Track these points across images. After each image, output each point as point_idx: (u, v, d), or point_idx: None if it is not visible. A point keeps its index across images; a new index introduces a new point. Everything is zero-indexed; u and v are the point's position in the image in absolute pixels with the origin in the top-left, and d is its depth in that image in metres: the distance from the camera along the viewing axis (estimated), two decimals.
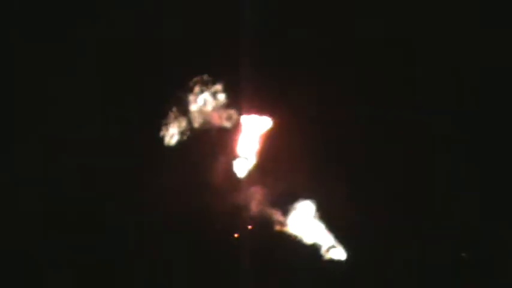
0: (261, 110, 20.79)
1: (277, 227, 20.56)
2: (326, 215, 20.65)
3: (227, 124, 20.68)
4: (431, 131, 21.05)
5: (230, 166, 20.65)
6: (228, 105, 20.70)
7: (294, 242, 20.63)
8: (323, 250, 20.68)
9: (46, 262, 19.84)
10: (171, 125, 20.52)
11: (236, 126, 20.72)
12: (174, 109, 20.55)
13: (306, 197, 20.65)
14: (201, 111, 20.62)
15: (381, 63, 20.97)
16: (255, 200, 20.43)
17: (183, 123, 20.57)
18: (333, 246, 20.64)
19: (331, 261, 20.68)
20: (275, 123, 20.90)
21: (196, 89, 20.60)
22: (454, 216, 20.69)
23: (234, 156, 20.71)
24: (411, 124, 21.03)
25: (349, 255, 20.68)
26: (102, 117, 20.40)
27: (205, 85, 20.61)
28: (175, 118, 20.54)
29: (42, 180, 20.22)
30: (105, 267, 19.92)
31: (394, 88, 20.96)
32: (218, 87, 20.62)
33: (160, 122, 20.52)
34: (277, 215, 20.56)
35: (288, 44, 20.86)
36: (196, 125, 20.62)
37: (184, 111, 20.60)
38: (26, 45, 20.51)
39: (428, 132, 21.06)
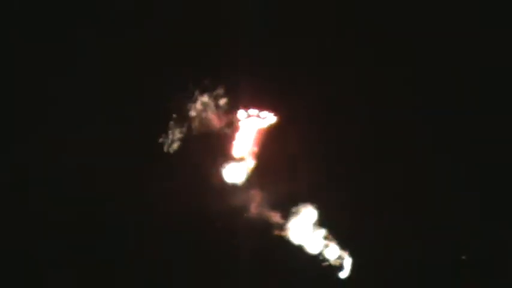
0: (260, 112, 20.78)
1: (276, 231, 20.55)
2: (325, 216, 20.65)
3: (226, 126, 20.67)
4: (431, 131, 21.10)
5: (229, 169, 20.67)
6: (227, 108, 20.68)
7: (293, 244, 20.64)
8: (323, 251, 20.69)
9: (46, 262, 19.84)
10: (172, 127, 20.52)
11: (236, 128, 20.71)
12: (175, 111, 20.55)
13: (305, 199, 20.67)
14: (200, 114, 20.60)
15: (381, 64, 21.02)
16: (254, 202, 20.42)
17: (183, 125, 20.56)
18: (333, 248, 20.67)
19: (331, 262, 20.72)
20: (275, 125, 20.89)
21: (197, 91, 20.60)
22: (454, 216, 20.72)
23: (233, 159, 20.71)
24: (411, 124, 21.06)
25: (349, 256, 20.70)
26: (102, 118, 20.40)
27: (205, 87, 20.61)
28: (176, 120, 20.54)
29: (42, 180, 20.22)
30: (105, 267, 19.93)
31: (394, 88, 20.98)
32: (218, 89, 20.61)
33: (160, 123, 20.52)
34: (276, 218, 20.55)
35: (287, 44, 20.84)
36: (195, 127, 20.61)
37: (184, 114, 20.59)
38: (26, 45, 20.49)
39: (428, 132, 21.10)
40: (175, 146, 20.39)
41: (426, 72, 21.16)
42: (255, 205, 20.42)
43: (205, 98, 20.49)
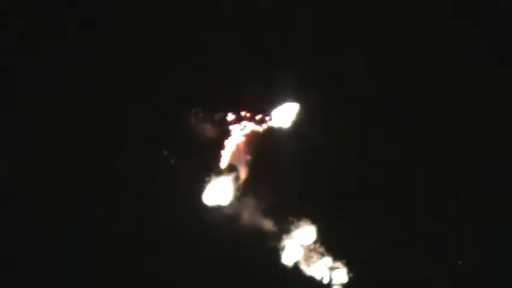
0: (256, 120, 20.78)
1: (270, 242, 20.56)
2: (321, 225, 20.67)
3: (222, 134, 20.65)
4: (431, 132, 21.06)
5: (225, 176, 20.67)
6: (221, 116, 20.67)
7: (288, 255, 20.68)
8: (319, 263, 20.70)
9: (45, 262, 19.96)
10: (168, 136, 20.59)
11: (231, 136, 20.68)
12: (171, 120, 20.59)
13: (300, 208, 20.65)
14: (196, 122, 20.62)
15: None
16: (248, 212, 20.42)
17: (179, 133, 20.58)
18: (328, 259, 20.68)
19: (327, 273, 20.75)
20: (268, 131, 20.84)
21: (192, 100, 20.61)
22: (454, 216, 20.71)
23: (226, 168, 20.72)
24: (411, 125, 21.00)
25: (344, 266, 20.71)
26: (101, 120, 20.49)
27: (202, 96, 20.62)
28: (172, 129, 20.59)
29: (42, 180, 20.34)
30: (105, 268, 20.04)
31: (390, 89, 20.91)
32: (214, 98, 20.61)
33: (157, 131, 20.61)
34: (269, 227, 20.53)
35: (284, 45, 20.78)
36: (191, 135, 20.61)
37: (180, 122, 20.60)
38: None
39: (429, 132, 21.06)
40: (172, 150, 20.49)
41: (429, 71, 21.07)
42: (248, 214, 20.41)
43: (200, 108, 20.53)
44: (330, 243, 20.60)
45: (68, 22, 20.65)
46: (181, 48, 20.61)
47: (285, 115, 20.72)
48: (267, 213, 20.41)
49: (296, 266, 20.53)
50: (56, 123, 20.35)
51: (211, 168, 20.47)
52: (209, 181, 20.35)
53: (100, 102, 20.39)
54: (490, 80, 20.83)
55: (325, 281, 20.53)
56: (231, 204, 20.32)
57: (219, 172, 20.46)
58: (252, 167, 20.66)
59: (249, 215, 20.31)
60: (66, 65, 20.44)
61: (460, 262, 20.56)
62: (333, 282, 20.53)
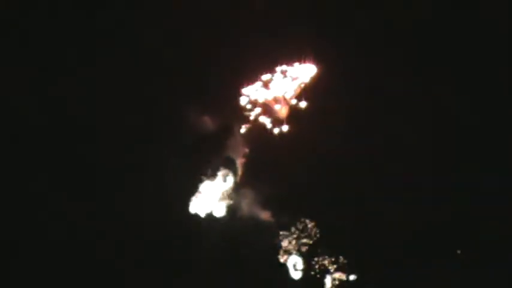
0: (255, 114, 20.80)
1: (268, 236, 20.54)
2: (319, 221, 20.67)
3: (220, 129, 20.68)
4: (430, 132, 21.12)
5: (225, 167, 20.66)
6: (222, 110, 20.69)
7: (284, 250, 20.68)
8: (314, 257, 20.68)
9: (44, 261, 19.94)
10: (170, 130, 20.60)
11: (229, 130, 20.71)
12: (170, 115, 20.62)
13: (300, 200, 20.65)
14: (196, 117, 20.62)
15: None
16: (246, 204, 20.41)
17: (178, 128, 20.60)
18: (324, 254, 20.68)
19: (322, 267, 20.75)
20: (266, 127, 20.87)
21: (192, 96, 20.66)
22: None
23: (226, 161, 20.71)
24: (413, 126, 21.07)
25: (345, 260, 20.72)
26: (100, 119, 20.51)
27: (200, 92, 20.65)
28: (174, 124, 20.62)
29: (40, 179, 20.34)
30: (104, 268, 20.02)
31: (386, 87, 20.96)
32: (213, 93, 20.63)
33: (159, 125, 20.63)
34: (268, 222, 20.52)
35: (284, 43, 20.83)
36: (192, 129, 20.62)
37: (179, 117, 20.62)
38: None
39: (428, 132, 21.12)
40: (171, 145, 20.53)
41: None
42: (246, 209, 20.40)
43: (199, 103, 20.55)
44: (329, 239, 20.61)
45: (67, 22, 20.62)
46: (180, 47, 20.63)
47: (284, 109, 20.75)
48: (265, 207, 20.50)
49: (294, 262, 20.53)
50: (55, 121, 20.49)
51: (209, 162, 20.52)
52: (207, 175, 20.34)
53: (99, 101, 20.40)
54: None
55: (324, 278, 20.53)
56: (229, 198, 20.35)
57: (217, 166, 20.47)
58: (250, 160, 20.67)
59: (247, 209, 20.36)
60: (66, 64, 20.47)
61: (458, 251, 20.52)
62: (332, 278, 20.53)
